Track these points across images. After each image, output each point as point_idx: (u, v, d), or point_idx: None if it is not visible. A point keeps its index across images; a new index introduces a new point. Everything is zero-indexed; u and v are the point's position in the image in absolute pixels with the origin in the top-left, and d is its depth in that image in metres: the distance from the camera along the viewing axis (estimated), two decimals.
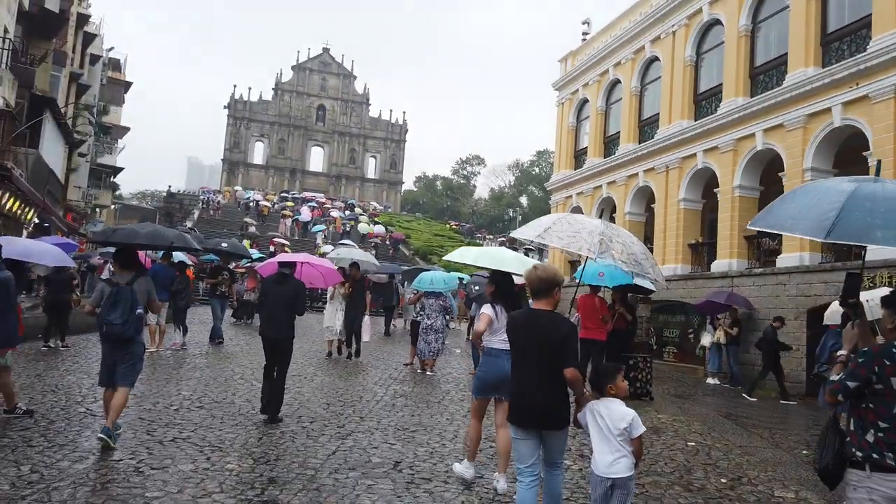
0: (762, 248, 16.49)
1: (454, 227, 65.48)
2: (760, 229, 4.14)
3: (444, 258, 9.51)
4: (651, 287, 10.89)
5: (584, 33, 26.62)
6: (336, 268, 12.13)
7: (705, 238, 18.91)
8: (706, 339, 15.59)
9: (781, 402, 12.28)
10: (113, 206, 66.47)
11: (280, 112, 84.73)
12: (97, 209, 51.78)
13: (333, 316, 12.69)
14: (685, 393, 12.71)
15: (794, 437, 8.88)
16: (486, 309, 5.28)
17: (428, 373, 11.23)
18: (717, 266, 17.07)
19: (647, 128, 21.58)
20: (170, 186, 66.43)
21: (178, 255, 18.77)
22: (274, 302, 7.25)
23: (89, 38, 35.25)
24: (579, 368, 3.97)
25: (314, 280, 11.45)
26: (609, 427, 3.83)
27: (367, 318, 13.05)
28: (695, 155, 18.55)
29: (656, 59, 21.00)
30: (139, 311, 5.97)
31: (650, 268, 6.22)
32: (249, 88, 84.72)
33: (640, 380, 10.19)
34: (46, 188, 26.02)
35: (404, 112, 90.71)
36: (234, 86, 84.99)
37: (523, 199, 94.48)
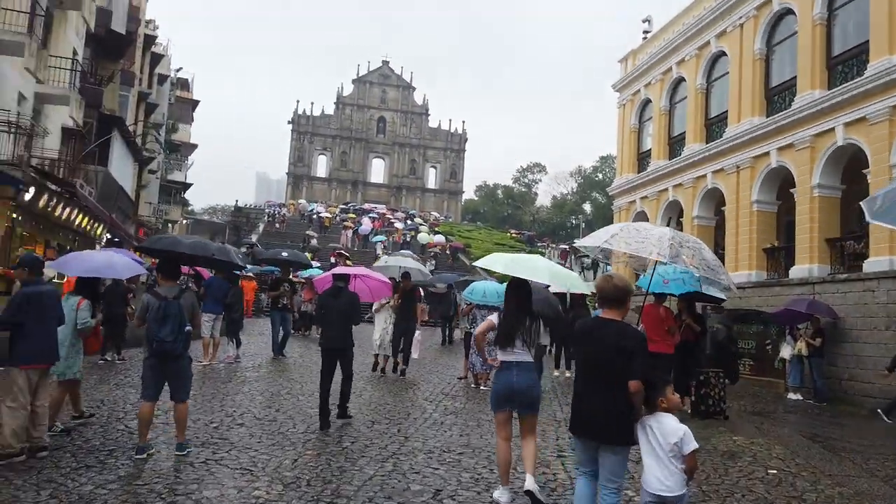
0: (846, 252, 15.21)
1: (515, 235, 64.63)
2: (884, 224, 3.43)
3: (474, 263, 9.03)
4: (721, 295, 10.03)
5: (646, 31, 25.62)
6: (387, 279, 11.80)
7: (782, 242, 17.66)
8: (786, 352, 14.41)
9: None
10: (184, 221, 68.87)
11: (342, 125, 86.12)
12: (168, 224, 53.73)
13: (382, 329, 12.01)
14: (764, 410, 11.70)
15: (892, 463, 7.87)
16: (493, 317, 5.32)
17: (482, 388, 10.69)
18: (796, 272, 15.87)
19: (714, 127, 20.46)
20: (237, 201, 68.28)
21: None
22: (332, 314, 7.70)
23: (156, 59, 36.49)
24: (646, 382, 3.82)
25: (362, 294, 11.18)
26: (660, 442, 3.71)
27: (418, 333, 12.29)
28: (768, 153, 17.39)
29: (723, 53, 19.90)
30: (188, 328, 5.96)
31: (722, 274, 6.11)
32: (312, 103, 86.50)
33: (712, 397, 9.36)
34: (116, 204, 26.93)
35: (463, 122, 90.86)
36: (297, 101, 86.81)
37: (586, 206, 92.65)
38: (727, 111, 19.40)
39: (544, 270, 6.68)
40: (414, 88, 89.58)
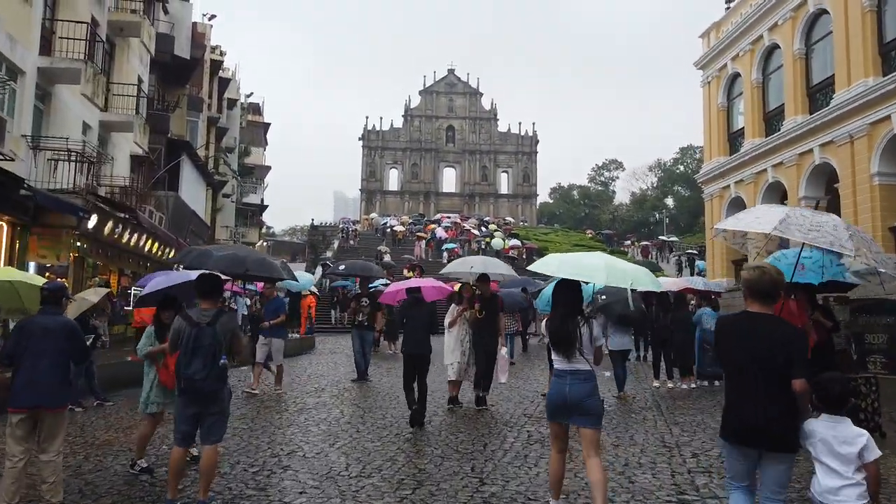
0: None
1: (592, 235, 62.23)
2: None
3: (528, 267, 7.79)
4: (857, 280, 8.19)
5: (728, 1, 23.37)
6: (455, 287, 10.51)
7: None
8: None
9: None
10: (264, 243, 70.39)
11: (411, 137, 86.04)
12: (251, 247, 54.59)
13: (457, 349, 9.37)
14: None
15: None
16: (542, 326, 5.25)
17: None
18: None
19: (818, 94, 18.11)
20: (313, 219, 69.05)
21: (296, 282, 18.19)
22: (414, 323, 8.67)
23: (224, 84, 36.89)
24: (812, 382, 3.52)
25: (432, 296, 11.23)
26: (836, 450, 3.40)
27: (504, 351, 9.63)
28: (888, 118, 15.02)
29: (824, 11, 17.57)
30: (223, 361, 4.89)
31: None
32: (381, 118, 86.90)
33: (864, 409, 7.50)
34: (189, 228, 26.98)
35: (533, 123, 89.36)
36: (367, 117, 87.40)
37: (668, 201, 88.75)
38: (834, 75, 17.06)
39: (600, 268, 5.86)
40: (481, 94, 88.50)
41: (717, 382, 11.85)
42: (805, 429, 3.51)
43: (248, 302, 21.96)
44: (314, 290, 24.29)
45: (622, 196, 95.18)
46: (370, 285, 18.70)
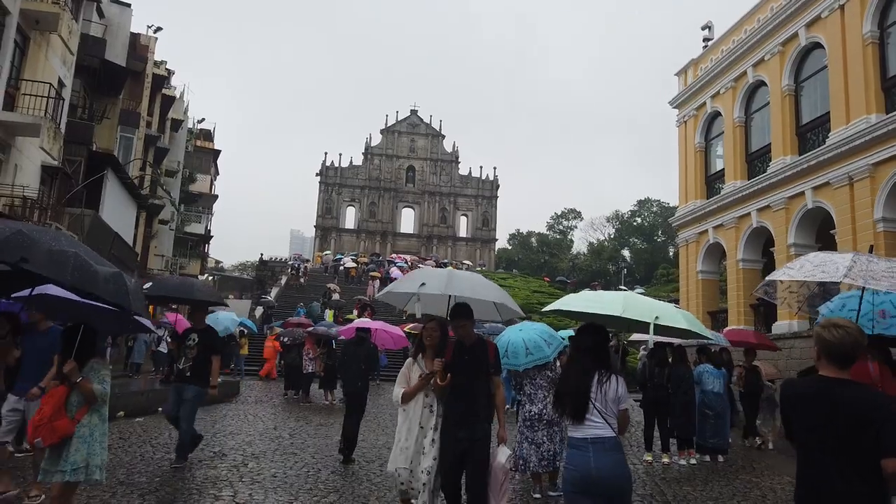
0: None
1: (549, 282, 61.07)
2: None
3: (545, 308, 6.06)
4: None
5: (706, 39, 22.23)
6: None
7: None
8: None
9: None
10: (209, 277, 66.73)
11: (370, 176, 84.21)
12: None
13: (413, 444, 4.93)
14: None
15: None
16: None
17: (550, 493, 6.83)
18: None
19: (809, 134, 16.71)
20: (262, 254, 65.82)
21: (224, 322, 15.64)
22: (350, 360, 9.01)
23: (168, 102, 34.32)
24: None
25: (385, 342, 12.11)
26: None
27: (504, 457, 4.86)
28: (895, 158, 13.54)
29: (817, 45, 16.30)
30: None
31: None
32: (340, 155, 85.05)
33: None
34: (111, 252, 24.01)
35: (495, 168, 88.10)
36: (325, 153, 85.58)
37: (626, 252, 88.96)
38: (828, 112, 15.68)
39: (617, 301, 5.32)
40: (443, 136, 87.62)
41: (720, 458, 9.73)
42: None
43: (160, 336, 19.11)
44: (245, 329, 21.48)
45: (580, 245, 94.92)
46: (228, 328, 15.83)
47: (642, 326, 5.32)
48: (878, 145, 13.84)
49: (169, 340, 17.10)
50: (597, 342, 4.04)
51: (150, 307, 30.83)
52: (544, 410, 6.85)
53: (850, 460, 3.00)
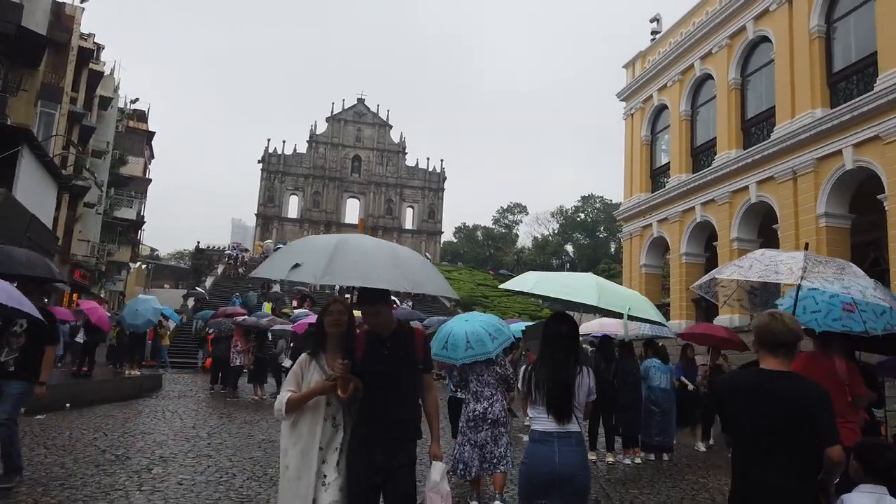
0: None
1: (493, 275, 61.11)
2: None
3: (501, 285, 5.46)
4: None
5: (654, 32, 22.16)
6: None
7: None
8: None
9: None
10: (142, 265, 63.93)
11: (315, 164, 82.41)
12: (121, 268, 48.86)
13: (306, 472, 3.44)
14: None
15: None
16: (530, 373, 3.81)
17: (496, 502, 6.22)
18: None
19: (754, 128, 16.71)
20: (198, 243, 63.54)
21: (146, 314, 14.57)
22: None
23: (95, 77, 32.30)
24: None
25: None
26: None
27: (438, 475, 3.61)
28: (839, 153, 13.54)
29: (765, 39, 16.28)
30: None
31: None
32: (283, 142, 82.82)
33: None
34: (27, 235, 22.28)
35: (442, 160, 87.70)
36: (268, 139, 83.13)
37: (569, 247, 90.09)
38: (774, 106, 15.65)
39: (590, 287, 4.89)
40: (390, 126, 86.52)
41: (665, 456, 9.35)
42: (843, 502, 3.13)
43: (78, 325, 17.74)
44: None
45: (525, 240, 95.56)
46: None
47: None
48: (823, 140, 13.83)
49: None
50: (573, 335, 3.89)
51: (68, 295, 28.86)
52: (489, 409, 6.20)
53: (787, 452, 2.94)
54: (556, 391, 3.67)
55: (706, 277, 5.79)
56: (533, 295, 5.30)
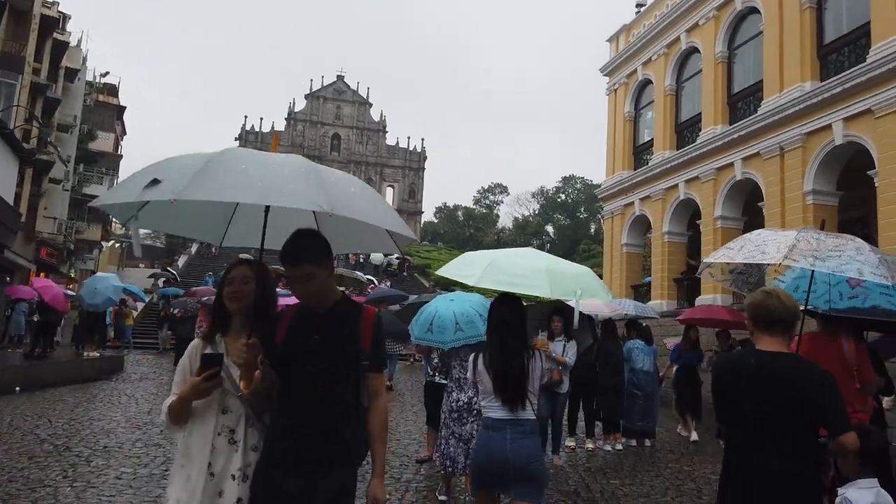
0: None
1: None
2: None
3: (438, 271, 4.93)
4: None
5: (639, 4, 21.52)
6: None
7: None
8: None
9: None
10: (115, 244, 62.53)
11: (293, 142, 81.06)
12: (93, 247, 47.65)
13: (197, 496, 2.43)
14: None
15: None
16: (476, 360, 3.71)
17: (467, 498, 5.68)
18: None
19: (741, 103, 16.22)
20: None
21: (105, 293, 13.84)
22: None
23: (61, 48, 30.99)
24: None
25: None
26: None
27: None
28: (828, 127, 13.09)
29: (753, 10, 15.73)
30: None
31: None
32: (261, 119, 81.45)
33: None
34: None
35: (423, 139, 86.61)
36: (245, 116, 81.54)
37: (549, 228, 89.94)
38: (761, 80, 15.15)
39: (540, 274, 4.57)
40: (371, 104, 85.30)
41: (647, 442, 8.91)
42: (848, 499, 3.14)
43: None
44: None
45: (506, 220, 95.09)
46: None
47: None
48: (812, 114, 13.38)
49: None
50: (523, 319, 3.72)
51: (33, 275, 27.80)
52: (475, 399, 5.60)
53: (791, 438, 2.80)
54: (509, 379, 3.54)
55: (711, 258, 5.28)
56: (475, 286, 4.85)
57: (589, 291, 4.83)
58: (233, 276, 2.66)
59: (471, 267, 4.83)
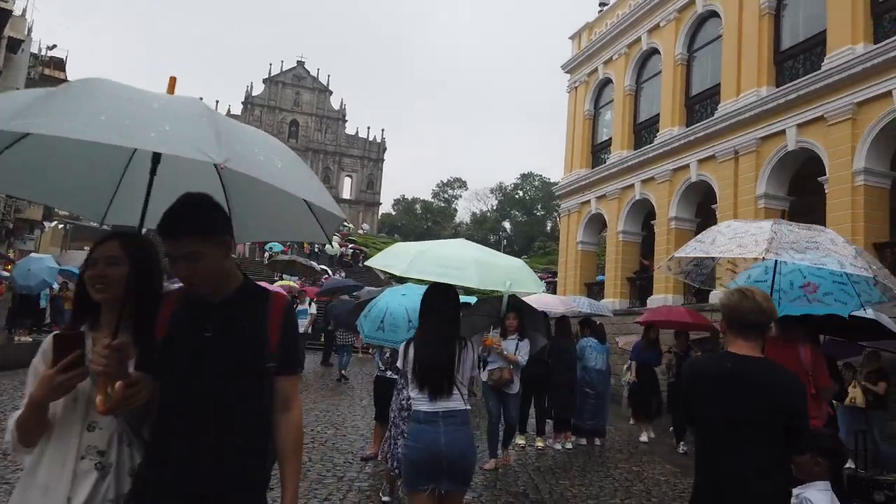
0: None
1: None
2: None
3: (367, 262, 5.11)
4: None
5: (602, 4, 21.54)
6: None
7: None
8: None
9: None
10: (59, 225, 60.18)
11: None
12: (34, 228, 45.75)
13: None
14: None
15: None
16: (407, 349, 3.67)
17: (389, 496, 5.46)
18: None
19: (698, 106, 16.36)
20: None
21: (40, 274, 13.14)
22: None
23: (2, 16, 29.45)
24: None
25: None
26: None
27: None
28: (782, 133, 13.28)
29: (714, 14, 15.84)
30: None
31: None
32: (217, 101, 79.13)
33: None
34: None
35: (382, 130, 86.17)
36: (201, 98, 78.99)
37: (507, 224, 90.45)
38: (719, 84, 15.29)
39: (468, 264, 4.46)
40: (331, 92, 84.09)
41: (597, 441, 8.86)
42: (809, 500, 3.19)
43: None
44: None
45: (464, 215, 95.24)
46: None
47: None
48: (767, 119, 13.54)
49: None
50: (456, 309, 3.69)
51: None
52: None
53: (767, 442, 2.76)
54: (436, 369, 3.50)
55: (684, 252, 5.14)
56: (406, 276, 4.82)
57: (519, 283, 4.81)
58: (95, 256, 2.00)
59: (398, 257, 4.78)
